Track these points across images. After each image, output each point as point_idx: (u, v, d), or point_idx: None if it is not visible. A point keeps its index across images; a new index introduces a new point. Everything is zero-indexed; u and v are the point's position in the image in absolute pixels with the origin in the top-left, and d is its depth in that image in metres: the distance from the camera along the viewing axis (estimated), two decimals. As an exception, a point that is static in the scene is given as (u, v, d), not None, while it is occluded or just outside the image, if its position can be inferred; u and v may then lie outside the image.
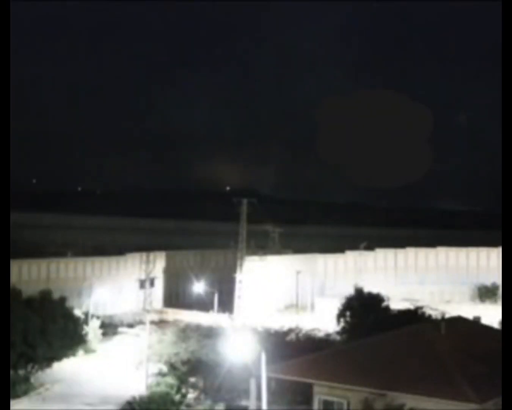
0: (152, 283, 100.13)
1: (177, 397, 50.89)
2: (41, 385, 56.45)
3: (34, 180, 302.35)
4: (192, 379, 53.80)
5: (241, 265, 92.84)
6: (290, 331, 65.53)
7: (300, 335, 64.65)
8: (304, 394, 44.23)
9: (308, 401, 42.47)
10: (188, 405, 50.65)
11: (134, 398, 49.36)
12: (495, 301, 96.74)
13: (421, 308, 65.24)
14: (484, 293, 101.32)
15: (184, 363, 55.79)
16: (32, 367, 57.70)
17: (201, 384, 53.18)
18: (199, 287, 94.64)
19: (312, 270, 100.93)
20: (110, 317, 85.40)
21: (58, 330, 58.52)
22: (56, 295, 63.08)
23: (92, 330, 70.80)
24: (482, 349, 42.21)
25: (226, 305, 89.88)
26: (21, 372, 56.22)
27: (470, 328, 49.37)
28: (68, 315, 61.66)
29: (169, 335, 61.04)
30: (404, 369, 40.01)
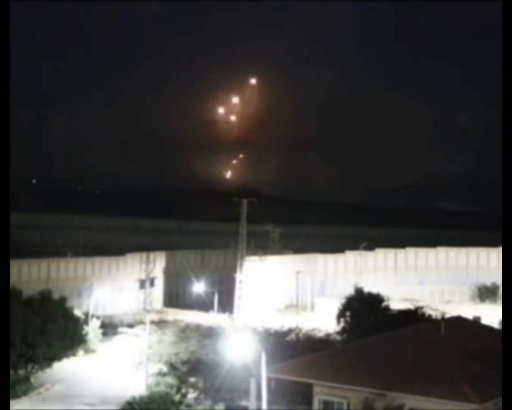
0: (152, 283, 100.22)
1: (177, 397, 50.92)
2: (41, 385, 56.51)
3: (34, 180, 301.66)
4: (192, 379, 53.76)
5: (241, 265, 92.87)
6: (290, 331, 65.41)
7: (300, 335, 64.54)
8: (304, 394, 44.20)
9: (308, 401, 42.45)
10: (188, 405, 50.65)
11: (134, 398, 49.35)
12: (495, 301, 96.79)
13: (421, 308, 65.20)
14: (484, 293, 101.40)
15: (184, 363, 55.71)
16: (32, 367, 57.70)
17: (201, 384, 53.14)
18: (199, 287, 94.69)
19: (312, 270, 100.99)
20: (110, 317, 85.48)
21: (58, 330, 58.47)
22: (56, 295, 63.03)
23: (92, 330, 70.81)
24: (482, 349, 42.18)
25: (226, 305, 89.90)
26: (21, 372, 56.23)
27: (470, 328, 49.34)
28: (68, 315, 61.60)
29: (169, 335, 60.87)
30: (404, 369, 39.99)
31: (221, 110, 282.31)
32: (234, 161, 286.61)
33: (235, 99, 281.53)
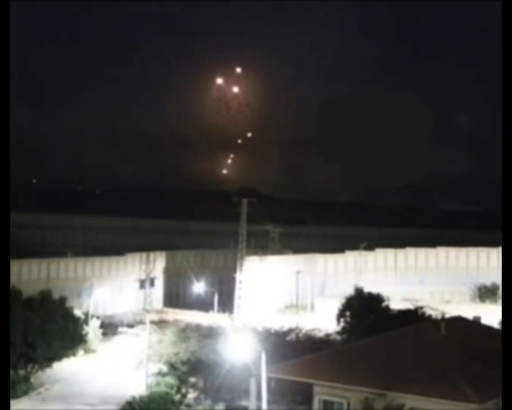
0: (152, 283, 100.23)
1: (177, 397, 50.92)
2: (41, 385, 56.50)
3: (34, 180, 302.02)
4: (192, 379, 53.76)
5: (241, 265, 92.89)
6: (290, 331, 65.44)
7: (300, 335, 64.57)
8: (304, 394, 44.21)
9: (308, 401, 42.46)
10: (188, 405, 50.64)
11: (134, 398, 49.34)
12: (495, 301, 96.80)
13: (421, 308, 65.22)
14: (484, 293, 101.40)
15: (184, 363, 55.74)
16: (32, 367, 57.70)
17: (201, 384, 53.13)
18: (199, 287, 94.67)
19: (312, 270, 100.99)
20: (110, 317, 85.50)
21: (58, 330, 58.47)
22: (56, 295, 63.03)
23: (92, 330, 70.81)
24: (482, 349, 42.19)
25: (226, 305, 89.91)
26: (21, 372, 56.22)
27: (470, 328, 49.35)
28: (68, 315, 61.60)
29: (169, 335, 60.90)
30: (404, 369, 39.99)
31: (220, 80, 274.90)
32: (234, 156, 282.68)
33: (238, 69, 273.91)
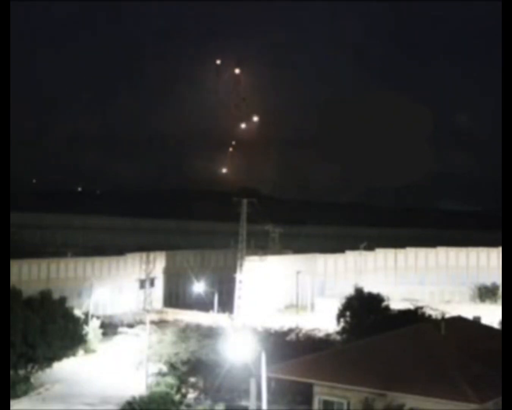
0: (152, 283, 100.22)
1: (177, 397, 50.92)
2: (41, 385, 56.51)
3: (34, 180, 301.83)
4: (192, 379, 53.76)
5: (241, 265, 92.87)
6: (290, 331, 65.45)
7: (300, 335, 64.57)
8: (304, 394, 44.21)
9: (308, 401, 42.45)
10: (188, 405, 50.64)
11: (134, 398, 49.34)
12: (495, 301, 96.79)
13: (421, 308, 65.24)
14: (484, 293, 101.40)
15: (184, 363, 55.74)
16: (32, 367, 57.70)
17: (201, 384, 53.14)
18: (199, 287, 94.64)
19: (312, 270, 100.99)
20: (110, 317, 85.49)
21: (58, 330, 58.47)
22: (56, 295, 63.04)
23: (92, 330, 70.81)
24: (482, 349, 42.19)
25: (226, 305, 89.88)
26: (21, 372, 56.22)
27: (470, 328, 49.35)
28: (68, 315, 61.60)
29: (169, 335, 60.91)
30: (404, 369, 39.99)
31: (218, 61, 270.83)
32: (232, 149, 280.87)
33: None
